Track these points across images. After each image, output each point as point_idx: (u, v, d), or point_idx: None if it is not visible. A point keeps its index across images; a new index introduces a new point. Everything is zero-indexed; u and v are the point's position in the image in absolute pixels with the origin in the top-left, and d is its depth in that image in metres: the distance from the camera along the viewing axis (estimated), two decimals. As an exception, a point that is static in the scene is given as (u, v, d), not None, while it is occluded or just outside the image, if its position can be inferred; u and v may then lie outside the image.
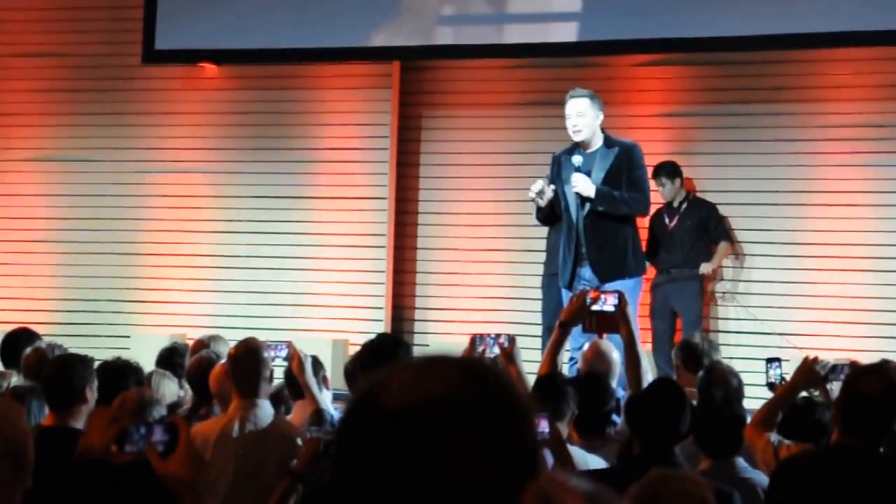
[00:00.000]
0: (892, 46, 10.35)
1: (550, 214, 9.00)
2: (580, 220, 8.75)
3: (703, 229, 10.64)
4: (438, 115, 11.77)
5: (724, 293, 11.01)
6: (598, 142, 8.84)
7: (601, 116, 8.83)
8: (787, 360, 7.20)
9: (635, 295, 8.61)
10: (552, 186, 8.91)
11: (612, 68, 11.26)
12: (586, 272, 8.69)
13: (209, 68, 11.99)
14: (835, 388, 6.22)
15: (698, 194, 10.81)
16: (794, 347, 9.99)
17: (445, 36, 11.25)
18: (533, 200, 8.98)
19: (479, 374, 1.69)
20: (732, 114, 10.96)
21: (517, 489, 1.65)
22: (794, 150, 10.84)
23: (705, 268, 10.52)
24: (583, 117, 8.77)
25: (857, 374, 5.01)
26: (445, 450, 1.63)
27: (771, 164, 10.84)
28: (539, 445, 1.71)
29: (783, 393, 6.01)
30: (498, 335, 6.39)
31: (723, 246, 10.70)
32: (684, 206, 10.51)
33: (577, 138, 8.82)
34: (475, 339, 6.37)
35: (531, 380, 6.37)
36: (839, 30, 10.16)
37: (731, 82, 11.03)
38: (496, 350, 6.30)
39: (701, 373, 6.89)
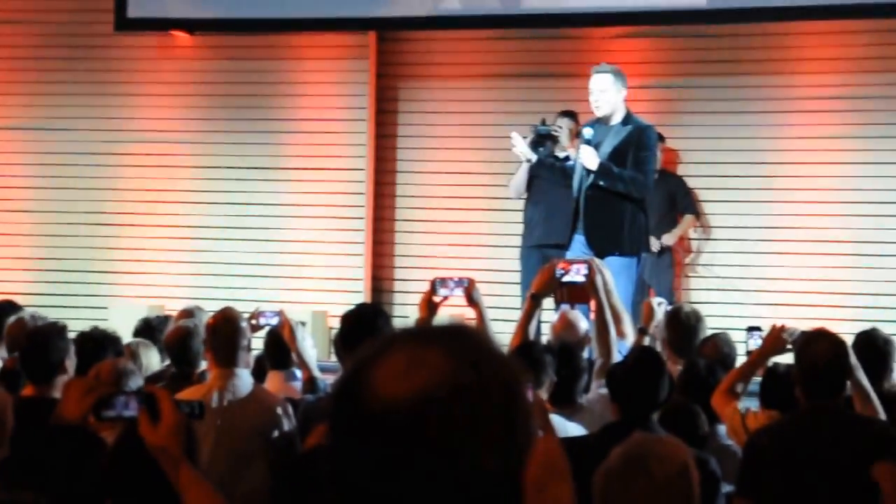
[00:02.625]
0: (856, 20, 10.45)
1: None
2: (583, 190, 8.79)
3: (672, 202, 10.71)
4: (416, 86, 11.76)
5: (695, 264, 11.07)
6: (618, 117, 8.85)
7: (623, 92, 8.82)
8: (760, 331, 7.25)
9: (629, 273, 8.62)
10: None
11: (587, 41, 11.28)
12: (584, 239, 8.73)
13: (182, 37, 11.91)
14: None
15: (670, 165, 10.86)
16: (766, 317, 10.03)
17: (421, 7, 11.20)
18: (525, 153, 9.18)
19: (472, 354, 1.66)
20: (704, 86, 11.04)
21: (520, 463, 1.64)
22: (764, 122, 10.93)
23: (667, 238, 10.57)
24: (605, 93, 8.79)
25: (805, 340, 5.19)
26: (447, 441, 1.60)
27: (742, 135, 10.93)
28: (530, 414, 1.69)
29: (751, 361, 6.10)
30: (460, 279, 6.39)
31: (688, 218, 10.80)
32: (655, 178, 10.52)
33: (597, 113, 8.85)
34: (435, 284, 6.36)
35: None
36: (807, 3, 10.24)
37: (703, 55, 11.07)
38: (458, 292, 6.34)
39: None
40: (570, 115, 10.15)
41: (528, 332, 6.53)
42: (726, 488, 5.05)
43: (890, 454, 4.72)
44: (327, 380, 6.79)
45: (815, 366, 4.90)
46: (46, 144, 12.15)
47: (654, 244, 10.49)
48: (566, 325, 7.02)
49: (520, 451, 1.65)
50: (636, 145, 8.77)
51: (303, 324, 7.04)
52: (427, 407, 1.60)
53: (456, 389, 1.61)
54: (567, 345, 6.45)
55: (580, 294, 6.75)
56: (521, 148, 9.13)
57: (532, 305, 6.60)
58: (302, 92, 11.76)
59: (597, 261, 6.98)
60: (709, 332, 7.22)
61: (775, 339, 6.04)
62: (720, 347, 6.86)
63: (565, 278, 6.58)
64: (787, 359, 6.32)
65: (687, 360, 6.49)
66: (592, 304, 6.72)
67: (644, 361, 5.36)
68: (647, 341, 6.90)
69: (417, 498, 1.60)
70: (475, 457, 1.60)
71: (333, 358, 7.49)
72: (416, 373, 1.62)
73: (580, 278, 6.57)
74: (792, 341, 6.00)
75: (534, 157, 9.08)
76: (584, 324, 7.07)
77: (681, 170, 11.01)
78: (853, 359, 5.12)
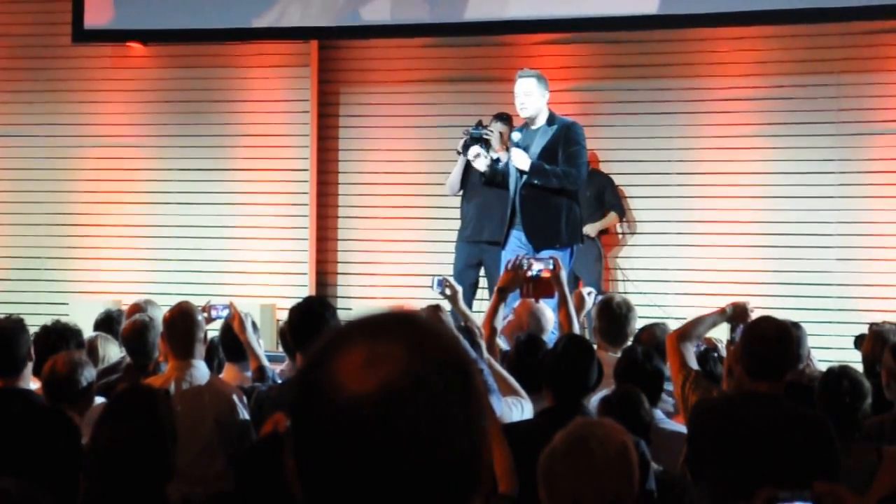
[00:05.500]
0: (766, 25, 10.53)
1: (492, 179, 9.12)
2: (517, 190, 8.78)
3: (600, 199, 10.73)
4: (355, 91, 11.78)
5: (620, 257, 11.12)
6: (542, 119, 8.85)
7: (547, 95, 8.84)
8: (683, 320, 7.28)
9: (563, 265, 8.63)
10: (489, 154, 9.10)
11: (516, 47, 11.31)
12: (522, 236, 8.73)
13: (136, 47, 11.89)
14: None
15: (594, 165, 10.90)
16: (687, 306, 10.10)
17: (359, 16, 11.19)
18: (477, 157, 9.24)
19: (427, 342, 1.61)
20: (625, 89, 11.09)
21: (483, 442, 1.61)
22: (682, 123, 11.00)
23: (589, 229, 10.59)
24: (529, 96, 8.78)
25: (755, 321, 5.15)
26: (415, 430, 1.55)
27: (661, 135, 11.00)
28: (484, 394, 1.67)
29: (712, 314, 6.01)
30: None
31: (612, 215, 10.84)
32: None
33: (522, 115, 8.86)
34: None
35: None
36: (720, 10, 10.30)
37: (624, 59, 11.13)
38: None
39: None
40: (504, 118, 10.14)
41: (495, 324, 6.52)
42: (658, 468, 5.06)
43: (822, 453, 4.75)
44: (276, 369, 6.78)
45: (762, 341, 4.87)
46: (8, 150, 12.11)
47: (589, 228, 10.55)
48: (530, 314, 6.96)
49: (481, 430, 1.61)
50: (564, 142, 8.79)
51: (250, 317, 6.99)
52: (393, 399, 1.55)
53: (418, 379, 1.56)
54: (534, 336, 6.43)
55: (545, 288, 6.77)
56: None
57: (498, 299, 6.61)
58: (249, 97, 11.75)
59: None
60: (638, 322, 7.21)
61: (740, 308, 6.00)
62: (656, 336, 6.83)
63: (531, 273, 6.64)
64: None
65: (626, 347, 6.48)
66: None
67: (573, 349, 5.33)
68: (577, 329, 6.89)
69: (388, 487, 1.55)
70: (443, 443, 1.56)
71: (280, 349, 7.46)
72: (377, 366, 1.56)
73: (545, 273, 6.62)
74: (734, 325, 5.98)
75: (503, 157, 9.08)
76: (549, 313, 7.04)
77: (603, 168, 11.06)
78: None
